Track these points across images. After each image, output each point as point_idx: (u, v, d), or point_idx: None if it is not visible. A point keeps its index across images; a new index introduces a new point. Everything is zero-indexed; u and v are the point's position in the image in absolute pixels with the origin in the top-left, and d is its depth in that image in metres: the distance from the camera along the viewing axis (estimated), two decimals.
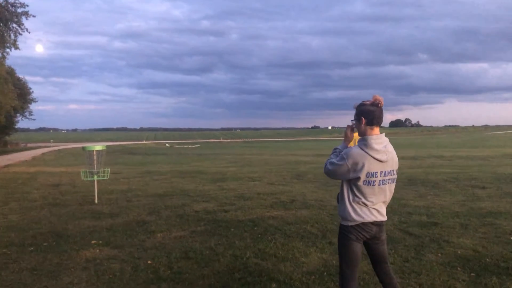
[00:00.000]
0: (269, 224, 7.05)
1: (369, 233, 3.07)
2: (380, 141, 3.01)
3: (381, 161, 2.99)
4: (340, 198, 3.15)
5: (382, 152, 2.99)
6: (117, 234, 6.58)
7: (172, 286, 4.31)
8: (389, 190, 3.10)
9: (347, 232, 3.07)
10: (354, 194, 3.03)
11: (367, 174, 2.95)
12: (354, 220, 3.03)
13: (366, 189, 3.00)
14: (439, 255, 5.20)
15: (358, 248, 3.09)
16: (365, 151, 2.96)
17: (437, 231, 6.39)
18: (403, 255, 5.18)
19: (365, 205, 3.03)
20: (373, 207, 3.05)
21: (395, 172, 3.11)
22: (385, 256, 3.25)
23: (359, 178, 2.96)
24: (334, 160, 3.05)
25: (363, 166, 2.94)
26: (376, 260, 3.25)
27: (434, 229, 6.52)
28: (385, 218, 3.12)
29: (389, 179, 3.05)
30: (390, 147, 3.09)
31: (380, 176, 2.99)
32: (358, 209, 3.03)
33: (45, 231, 6.88)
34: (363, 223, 3.03)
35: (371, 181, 2.98)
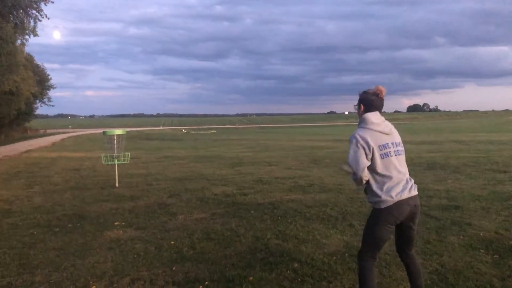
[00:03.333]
0: (289, 207, 7.09)
1: (402, 215, 3.05)
2: (376, 116, 3.15)
3: (386, 133, 3.11)
4: (367, 186, 3.15)
5: (382, 125, 3.13)
6: (139, 216, 6.70)
7: (196, 265, 4.39)
8: (404, 161, 3.19)
9: (380, 216, 3.06)
10: (377, 173, 3.05)
11: (379, 147, 3.04)
12: (386, 201, 3.01)
13: (386, 163, 3.04)
14: (461, 237, 5.18)
15: (387, 233, 3.11)
16: (366, 128, 3.09)
17: (458, 214, 6.35)
18: (425, 237, 5.18)
19: (390, 179, 3.03)
20: (400, 183, 3.06)
21: (402, 145, 3.22)
22: (413, 240, 3.28)
23: (374, 153, 3.02)
24: (350, 156, 3.07)
25: (372, 140, 3.03)
26: (404, 243, 3.26)
27: (455, 212, 6.48)
28: (416, 193, 3.12)
29: (401, 150, 3.17)
30: (389, 123, 3.21)
31: (393, 147, 3.10)
32: (385, 188, 3.03)
33: (69, 213, 7.04)
34: (396, 204, 3.01)
35: (387, 152, 3.06)
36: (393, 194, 3.01)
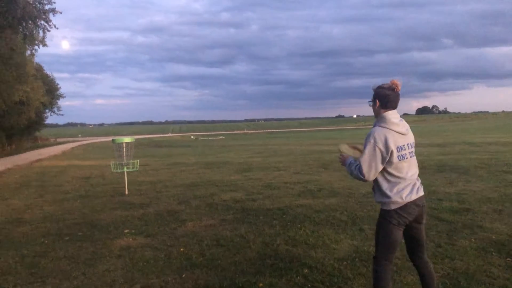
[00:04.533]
0: (298, 212, 7.07)
1: (411, 215, 3.02)
2: (396, 115, 3.09)
3: (403, 134, 3.05)
4: (375, 184, 3.13)
5: (401, 125, 3.06)
6: (149, 223, 6.72)
7: (205, 272, 4.39)
8: (416, 162, 3.17)
9: (389, 217, 3.03)
10: (390, 174, 3.01)
11: (397, 148, 2.98)
12: (396, 202, 2.98)
13: (401, 164, 3.00)
14: (473, 240, 5.13)
15: (399, 234, 3.06)
16: (386, 128, 3.02)
17: (470, 216, 6.29)
18: (436, 241, 5.13)
19: (402, 181, 3.00)
20: (410, 184, 3.03)
21: (414, 145, 3.19)
22: (423, 242, 3.23)
23: (392, 154, 2.96)
24: (365, 156, 2.98)
25: (392, 142, 2.96)
26: (414, 246, 3.21)
27: (466, 215, 6.41)
28: (422, 193, 3.10)
29: (414, 151, 3.14)
30: (405, 122, 3.15)
31: (408, 148, 3.06)
32: (396, 189, 3.00)
33: (79, 221, 7.08)
34: (405, 205, 2.99)
35: (403, 154, 3.01)
36: (404, 195, 2.99)
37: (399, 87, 3.10)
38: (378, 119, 3.10)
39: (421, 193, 3.09)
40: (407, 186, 3.02)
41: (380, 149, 2.95)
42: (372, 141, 2.97)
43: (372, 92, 3.19)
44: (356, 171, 3.04)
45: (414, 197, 3.02)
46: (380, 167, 2.98)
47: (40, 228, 6.68)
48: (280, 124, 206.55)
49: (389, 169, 3.00)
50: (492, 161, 13.57)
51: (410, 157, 3.07)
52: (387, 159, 2.97)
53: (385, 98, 3.08)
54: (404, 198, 2.99)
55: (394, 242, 3.07)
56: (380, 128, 3.03)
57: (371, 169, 2.96)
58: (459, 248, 4.83)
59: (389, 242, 3.07)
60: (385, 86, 3.12)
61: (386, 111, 3.08)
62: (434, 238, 5.22)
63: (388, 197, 3.01)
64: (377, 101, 3.11)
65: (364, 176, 2.99)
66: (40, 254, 5.27)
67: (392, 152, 2.95)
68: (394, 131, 3.00)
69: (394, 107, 3.10)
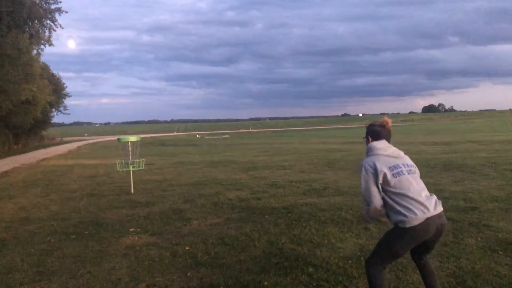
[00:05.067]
0: (303, 211, 7.06)
1: (428, 234, 2.93)
2: (382, 143, 3.19)
3: (394, 157, 3.13)
4: (387, 209, 3.06)
5: (389, 150, 3.16)
6: (154, 222, 6.74)
7: (210, 271, 4.39)
8: (420, 179, 3.14)
9: (405, 235, 2.92)
10: (394, 193, 2.98)
11: (390, 168, 3.03)
12: (411, 220, 2.88)
13: (401, 180, 2.99)
14: (479, 239, 5.10)
15: (405, 252, 3.06)
16: (373, 155, 3.14)
17: (476, 215, 6.26)
18: (441, 240, 5.08)
19: (410, 196, 2.93)
20: (420, 199, 2.94)
21: (415, 166, 3.19)
22: (432, 249, 3.23)
23: (385, 175, 3.00)
24: (362, 187, 3.07)
25: (381, 165, 3.04)
26: (421, 252, 3.20)
27: (472, 213, 6.38)
28: (441, 209, 3.02)
29: (413, 169, 3.13)
30: (397, 149, 3.23)
31: (404, 167, 3.07)
32: (406, 205, 2.93)
33: (85, 220, 7.11)
34: (422, 224, 2.88)
35: (399, 172, 3.03)
36: (417, 211, 2.89)
37: (390, 124, 3.29)
38: (366, 151, 3.24)
39: (440, 208, 2.99)
40: (417, 201, 2.93)
41: (371, 173, 3.05)
42: (362, 169, 3.09)
43: (365, 130, 3.35)
44: (365, 207, 3.14)
45: (431, 213, 2.92)
46: (376, 189, 3.01)
47: (47, 226, 6.72)
48: (285, 123, 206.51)
49: (390, 188, 2.99)
50: (499, 160, 13.49)
51: (408, 174, 3.04)
52: (381, 181, 3.00)
53: (376, 134, 3.26)
54: (418, 213, 2.88)
55: (396, 257, 3.13)
56: (369, 157, 3.16)
57: (371, 193, 3.02)
58: (465, 247, 4.81)
59: (391, 255, 3.08)
60: (376, 123, 3.31)
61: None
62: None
63: (402, 214, 2.92)
64: (370, 138, 3.29)
65: (372, 203, 3.02)
66: (46, 252, 5.30)
67: (384, 173, 3.00)
68: (382, 155, 3.11)
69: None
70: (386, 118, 3.28)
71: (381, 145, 3.17)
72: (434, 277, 3.23)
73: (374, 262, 3.11)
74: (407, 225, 2.90)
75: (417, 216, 2.88)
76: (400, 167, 3.05)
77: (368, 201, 3.06)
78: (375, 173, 3.02)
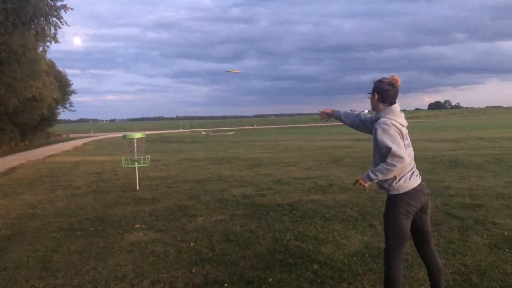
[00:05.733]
0: (308, 208, 7.05)
1: (418, 203, 3.07)
2: (398, 107, 3.14)
3: (404, 126, 3.13)
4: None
5: (402, 117, 3.13)
6: (160, 218, 6.75)
7: (215, 267, 4.40)
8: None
9: (397, 206, 3.06)
10: None
11: (405, 136, 3.08)
12: (405, 186, 3.04)
13: (410, 151, 3.10)
14: (485, 236, 5.07)
15: (408, 224, 3.08)
16: (393, 119, 3.07)
17: (482, 212, 6.22)
18: (447, 237, 5.08)
19: (410, 167, 3.10)
20: (412, 170, 3.11)
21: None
22: (429, 233, 3.25)
23: (403, 139, 3.05)
24: (389, 141, 2.96)
25: (400, 130, 3.05)
26: (421, 238, 3.22)
27: (478, 210, 6.35)
28: (421, 180, 3.17)
29: (409, 143, 3.19)
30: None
31: (407, 139, 3.14)
32: (405, 174, 3.06)
33: (90, 216, 7.14)
34: (412, 191, 3.04)
35: (409, 143, 3.13)
36: (412, 180, 3.06)
37: (399, 83, 3.15)
38: (384, 111, 3.13)
39: (420, 179, 3.16)
40: (410, 171, 3.09)
41: (398, 132, 3.02)
42: (390, 126, 3.00)
43: (373, 85, 3.25)
44: (392, 162, 2.94)
45: (418, 181, 3.10)
46: (403, 150, 2.98)
47: (52, 223, 6.75)
48: (290, 120, 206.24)
49: None
50: (506, 157, 13.40)
51: (409, 147, 3.13)
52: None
53: (384, 93, 3.15)
54: (409, 179, 3.05)
55: (403, 232, 3.08)
56: (386, 117, 3.08)
57: (402, 148, 2.97)
58: (471, 244, 4.78)
59: (398, 232, 3.07)
60: (385, 80, 3.16)
61: (384, 105, 3.15)
62: (445, 234, 5.18)
63: (395, 181, 3.05)
64: (376, 94, 3.19)
65: (403, 158, 2.93)
66: (52, 248, 5.33)
67: (403, 137, 3.05)
68: (398, 122, 3.08)
69: (392, 102, 3.15)
70: (396, 76, 3.14)
71: (399, 111, 3.12)
72: (440, 272, 3.22)
73: (391, 249, 3.09)
74: (401, 191, 3.05)
75: (409, 183, 3.04)
76: (407, 139, 3.13)
77: (401, 155, 2.93)
78: (401, 135, 3.04)
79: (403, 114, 3.14)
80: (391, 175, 3.00)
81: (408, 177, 3.06)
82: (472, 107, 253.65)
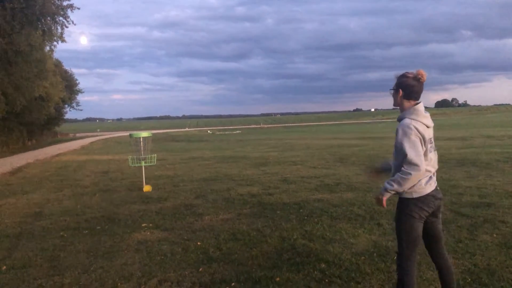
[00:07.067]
0: (315, 207, 7.02)
1: (430, 208, 2.96)
2: (422, 106, 2.98)
3: (428, 127, 2.97)
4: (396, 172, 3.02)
5: (427, 117, 2.98)
6: (166, 217, 6.75)
7: (222, 266, 4.38)
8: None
9: (410, 211, 2.94)
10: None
11: (429, 140, 2.93)
12: (420, 192, 2.91)
13: (430, 157, 2.95)
14: (494, 235, 5.01)
15: (420, 228, 2.99)
16: (417, 120, 2.91)
17: (491, 211, 6.16)
18: (456, 236, 5.03)
19: (429, 173, 2.96)
20: (430, 176, 2.98)
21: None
22: (441, 237, 3.16)
23: (425, 145, 2.90)
24: (407, 147, 2.81)
25: (424, 134, 2.89)
26: (432, 240, 3.14)
27: (487, 209, 6.28)
28: (436, 185, 3.05)
29: (433, 145, 3.07)
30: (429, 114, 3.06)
31: (432, 142, 3.01)
32: (423, 180, 2.92)
33: (97, 215, 7.15)
34: (425, 196, 2.93)
35: (432, 146, 2.98)
36: (427, 186, 2.94)
37: (425, 77, 2.98)
38: (408, 111, 2.96)
39: (436, 184, 3.03)
40: (427, 176, 2.96)
41: (419, 137, 2.86)
42: (412, 130, 2.84)
43: (395, 80, 3.06)
44: (407, 171, 2.82)
45: (433, 186, 2.98)
46: (422, 157, 2.84)
47: (60, 222, 6.77)
48: (296, 118, 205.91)
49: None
50: None
51: (433, 150, 3.02)
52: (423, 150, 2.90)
53: (409, 88, 2.97)
54: (427, 187, 2.92)
55: (417, 236, 2.99)
56: (410, 120, 2.91)
57: (419, 155, 2.81)
58: (480, 244, 4.73)
59: (412, 237, 2.98)
60: (410, 75, 2.99)
61: (409, 102, 2.99)
62: (454, 233, 5.13)
63: (414, 187, 2.92)
64: (400, 91, 3.00)
65: (419, 166, 2.80)
66: (59, 247, 5.34)
67: (425, 142, 2.89)
68: (423, 123, 2.92)
69: (417, 98, 3.00)
70: (421, 70, 2.96)
71: (424, 112, 2.95)
72: (451, 275, 3.14)
73: (404, 253, 2.99)
74: (414, 196, 2.91)
75: (425, 190, 2.92)
76: (432, 142, 2.98)
77: (418, 164, 2.79)
78: (423, 140, 2.87)
79: (428, 114, 2.98)
80: (407, 185, 2.86)
81: (423, 182, 2.92)
82: (479, 105, 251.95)
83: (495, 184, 8.38)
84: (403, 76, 3.01)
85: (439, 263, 3.17)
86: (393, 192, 2.94)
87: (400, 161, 2.90)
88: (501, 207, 6.37)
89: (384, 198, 2.99)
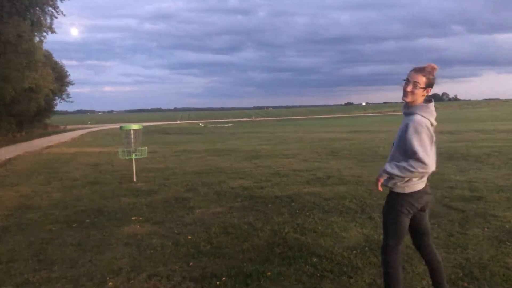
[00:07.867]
0: (307, 200, 6.99)
1: (420, 203, 2.98)
2: (433, 105, 2.96)
3: (433, 125, 2.94)
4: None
5: (435, 116, 2.97)
6: (157, 210, 6.68)
7: (213, 260, 4.34)
8: None
9: (399, 206, 2.96)
10: None
11: (433, 137, 2.90)
12: (413, 187, 2.92)
13: (434, 154, 2.90)
14: (486, 229, 5.02)
15: (407, 223, 3.01)
16: (427, 118, 2.88)
17: (482, 205, 6.17)
18: (447, 230, 5.03)
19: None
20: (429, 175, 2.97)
21: None
22: (428, 230, 3.18)
23: (432, 144, 2.87)
24: (417, 144, 2.78)
25: (432, 133, 2.87)
26: (419, 234, 3.15)
27: (478, 203, 6.30)
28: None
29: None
30: None
31: (434, 138, 2.97)
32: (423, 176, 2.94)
33: (87, 208, 7.06)
34: (417, 192, 2.94)
35: (434, 141, 2.94)
36: (420, 182, 2.94)
37: (436, 69, 2.96)
38: (419, 107, 2.90)
39: (426, 181, 3.03)
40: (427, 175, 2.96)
41: (429, 136, 2.83)
42: (420, 128, 2.79)
43: (415, 74, 2.94)
44: (414, 165, 2.79)
45: (425, 182, 2.98)
46: (429, 150, 2.81)
47: (48, 215, 6.67)
48: (288, 112, 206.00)
49: None
50: (504, 149, 13.37)
51: (433, 146, 2.97)
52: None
53: (431, 82, 2.94)
54: (418, 181, 2.92)
55: (403, 230, 3.02)
56: (422, 117, 2.85)
57: (428, 154, 2.78)
58: (472, 238, 4.73)
59: (399, 230, 3.01)
60: (427, 69, 2.93)
61: (424, 97, 2.96)
62: (446, 227, 5.13)
63: (402, 180, 2.92)
64: (430, 90, 2.96)
65: (427, 165, 2.77)
66: (47, 240, 5.25)
67: (432, 141, 2.87)
68: (429, 120, 2.88)
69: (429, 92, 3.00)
70: (433, 64, 2.92)
71: (433, 108, 2.94)
72: (440, 268, 3.14)
73: (390, 246, 3.02)
74: (407, 190, 2.92)
75: (418, 185, 2.93)
76: (434, 137, 2.92)
77: (426, 163, 2.77)
78: (431, 136, 2.85)
79: (435, 114, 2.96)
80: (407, 176, 2.86)
81: (420, 181, 2.94)
82: (470, 100, 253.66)
83: (485, 178, 8.42)
84: (423, 69, 2.93)
85: (428, 257, 3.19)
86: (389, 175, 2.92)
87: (402, 154, 2.89)
88: (491, 201, 6.38)
89: (381, 180, 3.00)
